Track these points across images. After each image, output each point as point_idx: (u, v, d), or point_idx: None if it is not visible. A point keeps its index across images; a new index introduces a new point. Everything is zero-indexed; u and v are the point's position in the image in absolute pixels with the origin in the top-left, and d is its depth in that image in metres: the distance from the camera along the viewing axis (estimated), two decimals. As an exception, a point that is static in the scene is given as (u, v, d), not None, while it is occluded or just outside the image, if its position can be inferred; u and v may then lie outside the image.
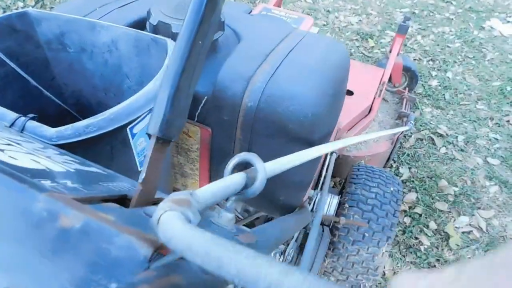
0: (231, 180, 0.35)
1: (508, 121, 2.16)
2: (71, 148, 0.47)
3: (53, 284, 0.24)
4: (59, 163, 0.39)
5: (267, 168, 0.38)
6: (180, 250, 0.21)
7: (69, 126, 0.47)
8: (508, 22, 3.06)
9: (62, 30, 0.70)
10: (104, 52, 0.70)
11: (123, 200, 0.37)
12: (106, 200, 0.34)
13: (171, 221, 0.23)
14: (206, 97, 0.72)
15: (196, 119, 0.75)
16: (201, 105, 0.73)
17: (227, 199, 0.44)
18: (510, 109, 2.23)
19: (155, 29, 0.72)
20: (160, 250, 0.26)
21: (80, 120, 0.76)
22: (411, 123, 1.64)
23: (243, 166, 0.44)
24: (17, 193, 0.28)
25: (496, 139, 2.05)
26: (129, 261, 0.24)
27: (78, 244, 0.25)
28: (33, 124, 0.48)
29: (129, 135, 0.55)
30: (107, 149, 0.53)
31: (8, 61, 0.67)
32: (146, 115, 0.56)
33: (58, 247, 0.25)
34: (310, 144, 0.72)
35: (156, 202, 0.39)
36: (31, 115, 0.49)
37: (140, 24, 0.80)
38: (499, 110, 2.23)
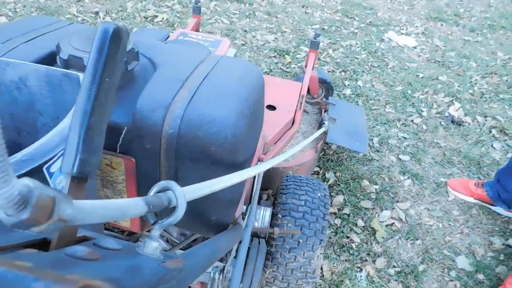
0: (127, 203, 0.33)
1: (412, 120, 2.42)
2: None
3: None
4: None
5: (186, 194, 0.40)
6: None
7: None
8: (402, 34, 3.46)
9: (-40, 72, 0.65)
10: (11, 90, 0.67)
11: (44, 244, 0.36)
12: (25, 246, 0.33)
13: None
14: (126, 127, 0.72)
15: (118, 150, 0.75)
16: (122, 136, 0.73)
17: (150, 230, 0.45)
18: (413, 109, 2.51)
19: (66, 64, 0.71)
20: None
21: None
22: (324, 123, 1.76)
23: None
24: None
25: (404, 137, 2.29)
26: None
27: None
28: None
29: (46, 175, 0.54)
30: (23, 192, 0.51)
31: None
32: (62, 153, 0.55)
33: None
34: (234, 164, 0.75)
35: (79, 240, 0.39)
36: None
37: (50, 59, 0.78)
38: (404, 111, 2.50)
